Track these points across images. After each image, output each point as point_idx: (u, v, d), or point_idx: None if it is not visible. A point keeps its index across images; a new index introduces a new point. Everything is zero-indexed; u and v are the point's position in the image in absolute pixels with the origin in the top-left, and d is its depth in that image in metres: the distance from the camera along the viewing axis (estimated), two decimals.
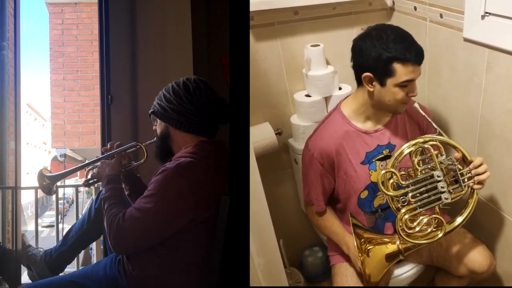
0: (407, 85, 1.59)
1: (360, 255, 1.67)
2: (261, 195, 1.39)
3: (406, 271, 1.88)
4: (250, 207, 1.33)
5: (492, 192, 1.88)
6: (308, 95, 2.23)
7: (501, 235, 1.89)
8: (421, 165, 1.59)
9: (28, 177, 15.24)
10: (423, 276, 1.95)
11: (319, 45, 2.17)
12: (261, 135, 2.17)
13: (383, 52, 1.55)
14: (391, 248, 1.67)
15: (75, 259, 2.77)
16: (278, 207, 2.38)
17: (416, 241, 1.61)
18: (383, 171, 1.59)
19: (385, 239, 1.71)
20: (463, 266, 1.76)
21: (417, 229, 1.59)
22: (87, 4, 7.53)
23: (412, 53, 1.54)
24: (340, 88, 2.23)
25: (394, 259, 1.68)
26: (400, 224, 1.58)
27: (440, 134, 1.60)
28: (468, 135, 1.89)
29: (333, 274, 1.87)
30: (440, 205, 1.60)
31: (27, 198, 5.92)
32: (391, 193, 1.58)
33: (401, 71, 1.56)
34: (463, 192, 1.60)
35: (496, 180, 1.83)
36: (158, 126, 1.62)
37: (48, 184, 1.76)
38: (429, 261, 1.87)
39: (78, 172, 2.11)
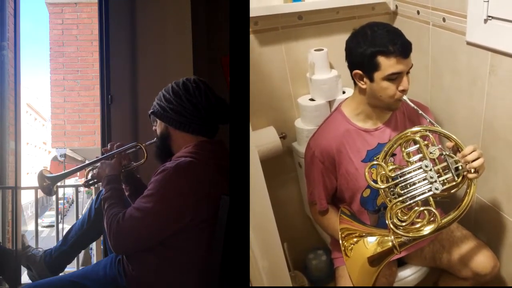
0: (396, 78, 1.58)
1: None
2: (266, 198, 1.38)
3: (410, 274, 1.88)
4: (255, 210, 1.33)
5: (495, 195, 1.88)
6: (312, 99, 2.23)
7: (504, 238, 1.89)
8: (410, 156, 1.54)
9: (28, 177, 15.27)
10: (428, 279, 1.94)
11: (322, 50, 2.17)
12: (265, 139, 2.17)
13: (367, 48, 1.57)
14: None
15: (75, 259, 2.76)
16: (282, 210, 2.38)
17: (407, 234, 1.52)
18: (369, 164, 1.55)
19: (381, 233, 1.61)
20: (467, 268, 1.76)
21: (408, 221, 1.51)
22: (87, 4, 7.52)
23: (396, 45, 1.54)
24: (344, 92, 2.23)
25: (389, 254, 1.59)
26: (390, 217, 1.52)
27: (431, 125, 1.56)
28: (472, 139, 1.88)
29: (337, 276, 1.87)
30: (437, 198, 1.52)
31: (27, 198, 5.91)
32: (379, 185, 1.54)
33: (386, 64, 1.56)
34: (457, 181, 1.52)
35: (499, 183, 1.83)
36: (158, 127, 1.62)
37: (49, 184, 1.76)
38: (432, 263, 1.86)
39: (78, 172, 2.11)
